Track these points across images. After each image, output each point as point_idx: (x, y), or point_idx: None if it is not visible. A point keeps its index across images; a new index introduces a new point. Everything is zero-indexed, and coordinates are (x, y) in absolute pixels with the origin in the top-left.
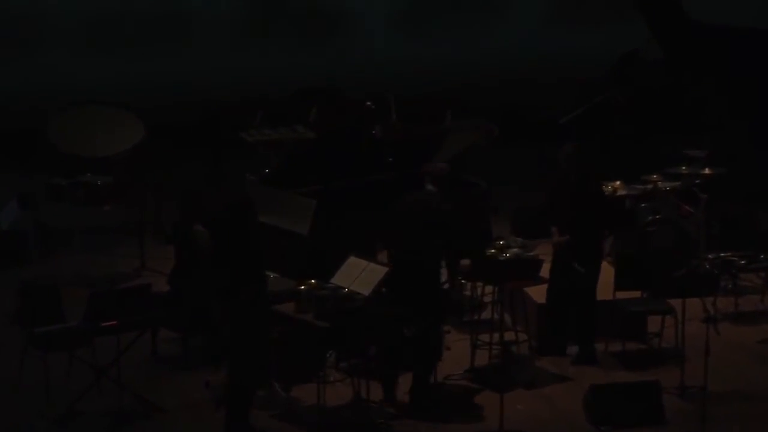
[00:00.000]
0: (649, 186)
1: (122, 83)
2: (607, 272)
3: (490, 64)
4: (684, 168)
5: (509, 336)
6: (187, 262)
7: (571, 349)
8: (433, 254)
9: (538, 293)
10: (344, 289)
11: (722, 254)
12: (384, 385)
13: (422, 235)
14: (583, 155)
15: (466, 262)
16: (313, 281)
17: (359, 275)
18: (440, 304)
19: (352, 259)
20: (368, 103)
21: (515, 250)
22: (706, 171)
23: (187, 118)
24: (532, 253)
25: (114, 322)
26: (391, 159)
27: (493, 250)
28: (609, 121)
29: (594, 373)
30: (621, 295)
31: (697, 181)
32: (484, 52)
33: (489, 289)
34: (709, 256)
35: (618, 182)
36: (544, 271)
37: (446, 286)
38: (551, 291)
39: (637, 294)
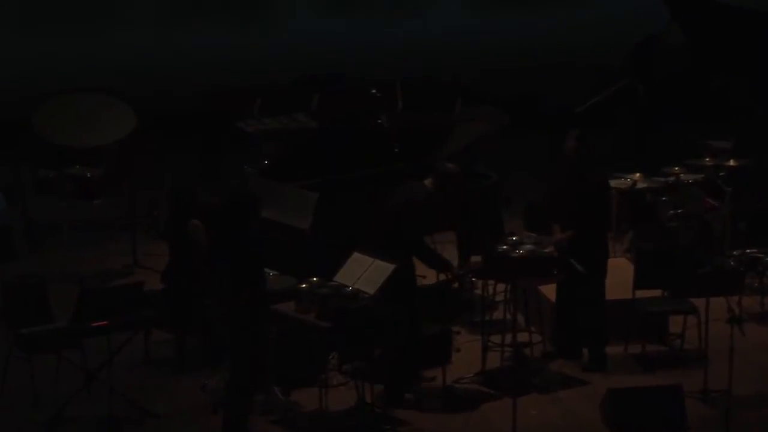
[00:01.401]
0: (671, 179)
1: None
2: (626, 270)
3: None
4: (708, 159)
5: (522, 337)
6: (181, 258)
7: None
8: (408, 247)
9: (553, 292)
10: (348, 287)
11: (748, 251)
12: (388, 389)
13: (399, 228)
14: (585, 144)
15: (476, 258)
16: (314, 279)
17: (364, 273)
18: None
19: (357, 256)
20: (373, 90)
21: (529, 246)
22: (731, 162)
23: (181, 106)
24: (546, 250)
25: (104, 323)
26: (397, 150)
27: (505, 247)
28: (627, 110)
29: (612, 376)
30: (641, 294)
31: (721, 174)
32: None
33: (501, 287)
34: (735, 252)
35: (638, 175)
36: None
37: (456, 285)
38: (558, 290)
39: (657, 293)
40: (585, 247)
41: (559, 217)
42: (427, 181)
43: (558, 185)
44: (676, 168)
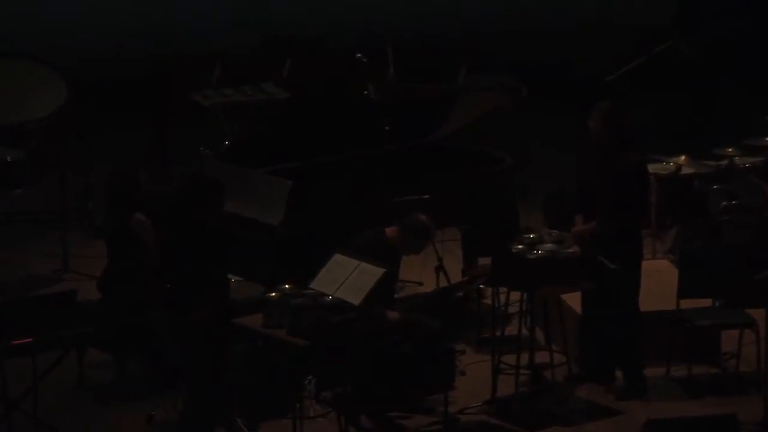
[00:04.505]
0: (724, 162)
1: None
2: (669, 275)
3: None
4: None
5: (542, 357)
6: (123, 262)
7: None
8: None
9: (579, 302)
10: (327, 296)
11: None
12: (376, 421)
13: None
14: (613, 120)
15: (485, 261)
16: (287, 286)
17: (347, 279)
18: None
19: (338, 258)
20: (358, 54)
21: (549, 245)
22: None
23: (123, 74)
24: (570, 250)
25: (29, 340)
26: (388, 127)
27: (520, 246)
28: (670, 78)
29: (652, 404)
30: (687, 304)
31: None
32: None
33: (515, 296)
34: None
35: (683, 157)
36: None
37: (460, 293)
38: (585, 299)
39: (707, 303)
40: (613, 244)
41: (583, 207)
42: (390, 230)
43: (584, 170)
44: (730, 149)
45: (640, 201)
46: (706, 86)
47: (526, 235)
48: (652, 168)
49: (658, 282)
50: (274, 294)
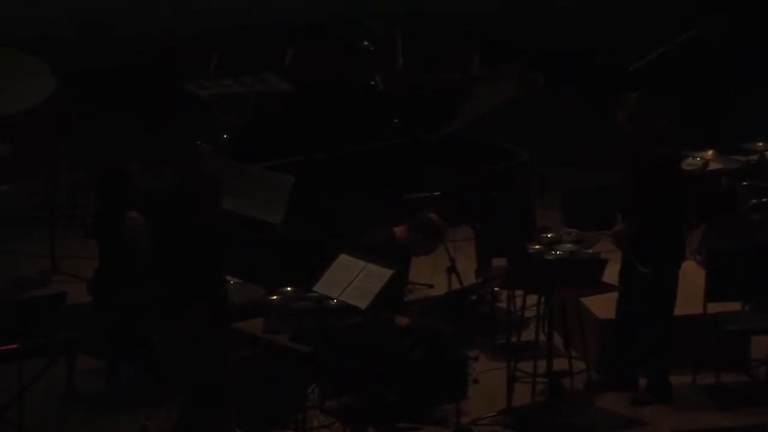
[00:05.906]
0: (754, 157)
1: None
2: (695, 276)
3: None
4: None
5: (560, 364)
6: (115, 263)
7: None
8: None
9: (600, 306)
10: (332, 299)
11: None
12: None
13: None
14: (645, 110)
15: (500, 262)
16: (289, 289)
17: (352, 281)
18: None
19: (343, 259)
20: (365, 43)
21: (568, 246)
22: None
23: (113, 63)
24: (591, 251)
25: (15, 346)
26: (397, 120)
27: (538, 247)
28: (697, 68)
29: (677, 414)
30: (714, 308)
31: None
32: None
33: (532, 299)
34: None
35: (710, 152)
36: (610, 275)
37: (474, 296)
38: (620, 303)
39: (736, 306)
40: (647, 243)
41: (620, 204)
42: (399, 229)
43: (624, 167)
44: (760, 144)
45: (669, 197)
46: (730, 78)
47: (544, 235)
48: None
49: (685, 284)
50: (275, 297)
